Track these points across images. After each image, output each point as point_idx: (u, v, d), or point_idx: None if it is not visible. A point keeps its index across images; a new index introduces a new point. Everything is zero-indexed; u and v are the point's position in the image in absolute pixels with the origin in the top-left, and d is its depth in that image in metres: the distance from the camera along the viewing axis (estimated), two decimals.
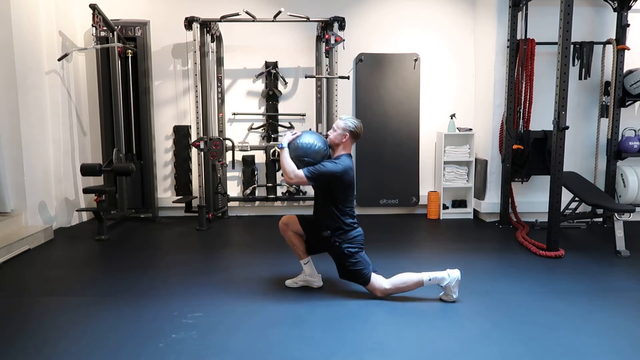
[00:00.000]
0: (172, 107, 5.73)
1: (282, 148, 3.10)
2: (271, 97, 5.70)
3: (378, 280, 3.09)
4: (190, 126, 5.65)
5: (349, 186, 3.08)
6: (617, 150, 5.27)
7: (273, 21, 5.05)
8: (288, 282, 3.35)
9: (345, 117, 3.17)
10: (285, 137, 3.15)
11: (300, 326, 2.73)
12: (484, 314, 2.92)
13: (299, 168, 3.02)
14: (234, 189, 5.86)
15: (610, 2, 5.15)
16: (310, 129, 3.22)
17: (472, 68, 5.83)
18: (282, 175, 3.10)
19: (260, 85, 5.74)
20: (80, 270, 3.87)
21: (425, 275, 3.03)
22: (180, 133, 5.65)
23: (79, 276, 3.69)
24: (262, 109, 5.76)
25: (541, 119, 5.15)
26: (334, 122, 5.13)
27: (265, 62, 5.67)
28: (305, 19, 5.03)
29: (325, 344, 2.52)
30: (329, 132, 3.20)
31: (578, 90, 5.31)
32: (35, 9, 4.81)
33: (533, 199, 5.38)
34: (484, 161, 5.54)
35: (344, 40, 5.00)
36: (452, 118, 5.60)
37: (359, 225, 3.18)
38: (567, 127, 3.98)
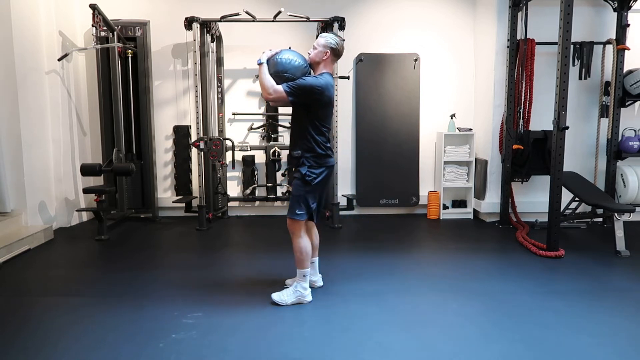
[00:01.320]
0: (172, 107, 5.73)
1: (260, 64, 2.97)
2: None
3: (301, 226, 2.99)
4: (190, 126, 5.65)
5: (328, 103, 2.96)
6: (617, 150, 5.27)
7: (273, 21, 5.05)
8: (288, 281, 3.34)
9: (325, 34, 3.04)
10: (264, 54, 3.01)
11: (300, 326, 2.73)
12: (484, 313, 2.92)
13: (278, 84, 2.90)
14: (234, 189, 5.86)
15: (610, 2, 5.15)
16: (289, 47, 3.13)
17: (472, 68, 5.83)
18: (262, 94, 2.93)
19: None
20: (80, 270, 3.87)
21: (307, 271, 3.02)
22: (180, 133, 5.65)
23: (79, 276, 3.69)
24: (262, 109, 5.76)
25: (541, 119, 5.15)
26: (334, 122, 5.17)
27: None
28: (305, 19, 5.03)
29: (325, 344, 2.52)
30: (309, 51, 3.05)
31: (578, 90, 5.31)
32: (35, 9, 4.81)
33: (533, 199, 5.38)
34: (484, 161, 5.54)
35: (344, 40, 4.98)
36: (452, 118, 5.60)
37: (331, 155, 3.05)
38: (567, 127, 3.98)
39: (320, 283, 3.32)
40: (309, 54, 3.05)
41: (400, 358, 2.39)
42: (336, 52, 3.03)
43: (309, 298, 3.07)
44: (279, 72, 2.94)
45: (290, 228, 3.03)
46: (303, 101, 2.92)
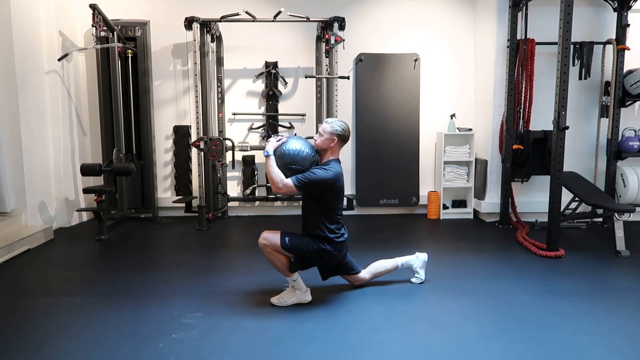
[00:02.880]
0: (172, 107, 5.73)
1: (267, 156, 2.93)
2: (271, 97, 5.70)
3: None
4: (190, 126, 5.65)
5: (339, 192, 2.98)
6: (617, 150, 5.27)
7: (273, 21, 5.05)
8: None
9: (331, 120, 3.04)
10: (270, 144, 2.97)
11: (300, 326, 2.73)
12: (484, 313, 2.92)
13: (287, 177, 2.87)
14: (234, 189, 5.86)
15: (610, 2, 5.15)
16: (295, 134, 3.09)
17: (472, 68, 5.83)
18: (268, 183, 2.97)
19: (260, 85, 5.74)
20: (80, 270, 3.87)
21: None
22: (180, 133, 5.65)
23: (79, 276, 3.69)
24: (262, 109, 5.76)
25: (541, 119, 5.15)
26: None
27: (265, 62, 5.67)
28: (305, 19, 5.03)
29: (325, 344, 2.52)
30: (315, 137, 3.06)
31: (578, 90, 5.31)
32: (35, 9, 4.81)
33: (533, 199, 5.38)
34: (484, 161, 5.54)
35: (344, 40, 5.01)
36: (452, 118, 5.60)
37: (344, 231, 3.08)
38: (567, 127, 3.98)
39: (308, 298, 3.10)
40: (315, 140, 3.04)
41: (401, 358, 2.39)
42: (343, 138, 3.03)
43: (309, 298, 3.07)
44: (287, 164, 2.91)
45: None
46: (314, 194, 2.93)
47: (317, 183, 2.87)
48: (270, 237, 2.97)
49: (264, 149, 3.02)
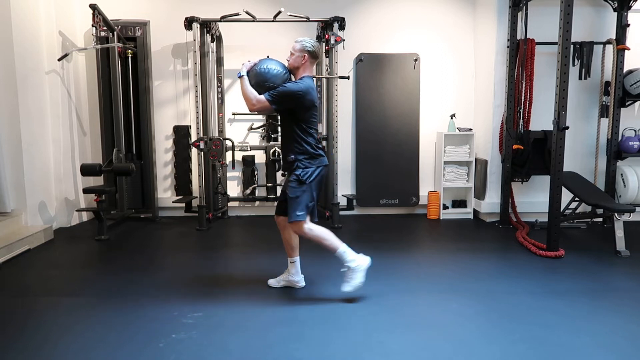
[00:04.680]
0: (172, 107, 5.73)
1: (241, 77, 3.02)
2: None
3: (303, 226, 3.01)
4: (190, 126, 5.65)
5: (311, 105, 3.01)
6: (617, 150, 5.27)
7: (273, 21, 5.05)
8: (271, 282, 3.35)
9: (300, 38, 3.12)
10: (243, 66, 3.06)
11: (300, 326, 2.73)
12: (484, 314, 2.92)
13: (260, 94, 2.96)
14: (234, 189, 5.86)
15: (610, 2, 5.15)
16: (268, 56, 3.17)
17: (472, 68, 5.83)
18: (246, 105, 3.02)
19: None
20: (80, 270, 3.87)
21: (342, 247, 3.01)
22: (180, 133, 5.65)
23: (79, 276, 3.69)
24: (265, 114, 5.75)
25: (541, 119, 5.15)
26: (334, 122, 5.17)
27: None
28: (305, 19, 5.03)
29: (325, 344, 2.52)
30: (287, 58, 3.11)
31: (578, 90, 5.31)
32: (35, 9, 4.81)
33: (533, 199, 5.38)
34: (484, 161, 5.54)
35: (344, 40, 5.00)
36: (452, 118, 5.60)
37: (323, 154, 3.10)
38: (567, 127, 3.98)
39: (302, 284, 3.30)
40: (288, 60, 3.11)
41: (400, 358, 2.39)
42: (313, 55, 3.08)
43: (302, 283, 3.23)
44: (260, 82, 3.01)
45: (295, 231, 3.07)
46: (286, 107, 3.00)
47: (288, 95, 2.94)
48: (294, 226, 3.04)
49: (264, 149, 3.06)
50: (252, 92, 2.98)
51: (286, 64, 3.11)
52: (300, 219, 3.00)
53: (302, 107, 2.98)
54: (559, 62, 3.95)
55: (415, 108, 5.74)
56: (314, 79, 3.12)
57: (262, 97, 2.94)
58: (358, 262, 3.03)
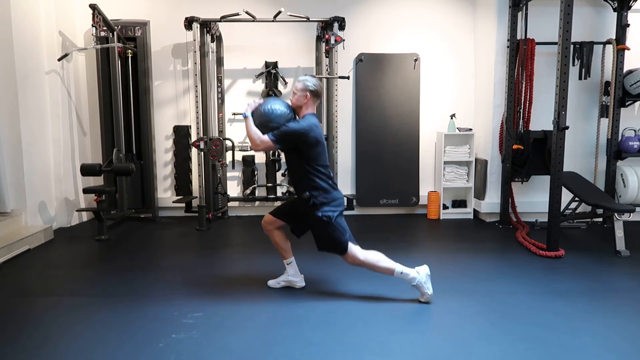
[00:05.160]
0: (172, 107, 5.73)
1: (246, 117, 3.07)
2: None
3: (354, 250, 3.04)
4: (190, 126, 5.65)
5: (316, 143, 3.01)
6: (617, 150, 5.27)
7: (273, 21, 5.05)
8: (270, 282, 3.35)
9: (303, 77, 3.13)
10: (249, 107, 3.10)
11: (300, 326, 2.74)
12: (484, 314, 2.92)
13: (264, 134, 2.99)
14: (234, 189, 5.85)
15: (610, 2, 5.15)
16: (272, 95, 3.20)
17: (472, 68, 5.83)
18: (250, 147, 3.07)
19: (260, 85, 5.74)
20: (80, 270, 3.87)
21: (398, 267, 3.00)
22: (180, 133, 5.65)
23: (79, 276, 3.69)
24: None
25: (541, 119, 5.15)
26: (334, 122, 5.17)
27: (265, 62, 5.67)
28: (305, 19, 5.03)
29: (325, 344, 2.52)
30: (291, 98, 3.15)
31: (578, 90, 5.31)
32: (35, 9, 4.81)
33: (533, 199, 5.38)
34: (484, 161, 5.54)
35: (344, 40, 5.00)
36: (452, 118, 5.60)
37: (337, 189, 3.14)
38: (567, 127, 3.98)
39: (302, 283, 3.31)
40: (291, 100, 3.14)
41: (400, 358, 2.39)
42: (316, 94, 3.11)
43: (302, 283, 3.28)
44: (264, 122, 3.04)
45: (350, 262, 3.07)
46: (291, 146, 3.02)
47: (291, 134, 2.97)
48: (270, 219, 3.26)
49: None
50: (256, 133, 3.01)
51: (289, 103, 3.14)
52: (348, 248, 3.02)
53: (306, 145, 3.00)
54: (559, 62, 3.95)
55: (415, 108, 5.74)
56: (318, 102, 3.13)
57: (265, 137, 2.97)
58: (419, 275, 3.00)
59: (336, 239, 3.03)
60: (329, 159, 3.16)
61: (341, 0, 5.61)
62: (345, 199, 5.14)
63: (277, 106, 3.06)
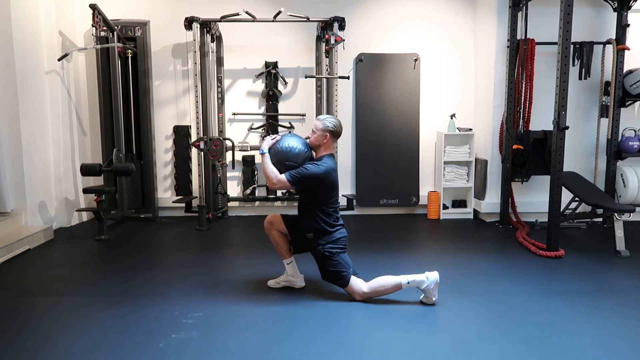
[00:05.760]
0: (172, 107, 5.73)
1: (263, 154, 3.07)
2: (271, 97, 5.70)
3: (357, 284, 3.05)
4: (190, 126, 5.65)
5: (331, 187, 3.06)
6: (617, 150, 5.27)
7: (273, 21, 5.05)
8: (270, 283, 3.35)
9: (323, 117, 3.13)
10: (265, 143, 3.10)
11: (300, 326, 2.74)
12: (484, 314, 2.92)
13: (281, 173, 3.00)
14: (234, 189, 5.86)
15: (610, 2, 5.15)
16: (290, 132, 3.19)
17: (472, 68, 5.83)
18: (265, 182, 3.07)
19: (260, 85, 5.74)
20: (80, 270, 3.87)
21: (403, 279, 3.00)
22: (180, 133, 5.65)
23: (79, 276, 3.69)
24: (262, 109, 5.76)
25: (541, 119, 5.15)
26: None
27: (265, 62, 5.67)
28: (305, 19, 5.03)
29: (325, 344, 2.52)
30: (309, 135, 3.16)
31: (578, 90, 5.31)
32: (35, 9, 4.81)
33: (533, 199, 5.38)
34: (484, 161, 5.54)
35: (343, 40, 5.00)
36: (452, 118, 5.60)
37: (342, 226, 3.16)
38: (567, 127, 3.98)
39: (302, 283, 3.32)
40: (309, 137, 3.13)
41: (400, 358, 2.39)
42: (335, 134, 3.12)
43: (302, 283, 3.28)
44: (281, 160, 3.04)
45: (350, 293, 3.07)
46: (306, 188, 3.03)
47: (308, 178, 2.97)
48: (274, 220, 3.23)
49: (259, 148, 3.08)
50: (273, 171, 3.01)
51: (307, 141, 3.13)
52: (349, 281, 3.02)
53: (321, 189, 3.02)
54: (559, 62, 3.95)
55: (415, 108, 5.74)
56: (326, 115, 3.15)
57: (283, 177, 2.98)
58: (428, 280, 3.00)
59: (337, 272, 3.05)
60: (338, 202, 3.18)
61: (341, 0, 5.61)
62: (345, 199, 5.11)
63: (295, 144, 3.04)
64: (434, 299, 3.01)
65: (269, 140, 3.11)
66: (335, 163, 3.12)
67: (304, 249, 3.23)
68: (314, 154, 3.16)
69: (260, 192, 5.82)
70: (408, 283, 2.99)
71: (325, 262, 3.07)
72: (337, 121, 3.13)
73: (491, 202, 5.45)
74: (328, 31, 5.05)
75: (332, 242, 3.06)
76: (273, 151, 3.07)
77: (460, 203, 5.81)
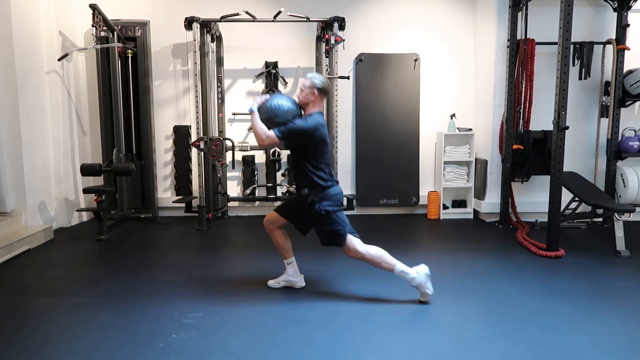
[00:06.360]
0: (172, 107, 5.73)
1: (252, 112, 3.05)
2: None
3: (353, 242, 3.04)
4: (190, 126, 5.65)
5: (321, 142, 3.02)
6: (617, 150, 5.27)
7: (273, 21, 5.05)
8: (270, 283, 3.35)
9: (311, 75, 3.12)
10: (255, 102, 3.09)
11: (300, 326, 2.74)
12: (484, 314, 2.92)
13: (270, 130, 2.98)
14: (234, 189, 5.85)
15: (610, 2, 5.15)
16: (279, 92, 3.17)
17: (472, 68, 5.83)
18: (255, 140, 3.05)
19: (260, 85, 5.74)
20: (80, 270, 3.87)
21: (398, 266, 3.01)
22: (180, 133, 5.65)
23: (79, 276, 3.69)
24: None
25: (541, 119, 5.15)
26: (334, 122, 5.17)
27: (265, 62, 5.67)
28: (305, 19, 5.03)
29: (325, 344, 2.52)
30: (298, 95, 3.14)
31: (578, 90, 5.31)
32: (35, 9, 4.81)
33: (533, 199, 5.38)
34: (484, 161, 5.54)
35: (344, 40, 5.00)
36: (452, 118, 5.60)
37: (337, 183, 3.14)
38: (567, 127, 3.98)
39: (302, 283, 3.31)
40: (298, 97, 3.13)
41: (400, 358, 2.39)
42: (323, 91, 3.09)
43: (302, 284, 3.27)
44: (270, 118, 3.03)
45: (352, 255, 3.07)
46: (296, 144, 3.02)
47: (297, 133, 2.96)
48: (273, 218, 3.21)
49: (264, 149, 3.07)
50: (262, 128, 2.99)
51: (296, 100, 3.12)
52: (347, 239, 3.02)
53: (311, 144, 3.00)
54: (559, 62, 3.95)
55: (415, 108, 5.74)
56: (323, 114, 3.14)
57: (271, 133, 2.97)
58: (419, 275, 3.00)
59: (334, 230, 3.03)
60: (330, 158, 3.16)
61: (341, 0, 5.61)
62: (345, 198, 5.12)
63: (284, 102, 3.05)
64: (429, 292, 3.00)
65: (259, 100, 3.10)
66: (324, 119, 3.10)
67: (308, 225, 3.19)
68: (303, 113, 3.13)
69: (260, 192, 5.82)
70: (401, 272, 3.00)
71: (322, 221, 3.03)
72: (325, 79, 3.12)
73: (491, 202, 5.45)
74: (328, 31, 5.05)
75: (328, 199, 3.03)
76: (262, 109, 3.05)
77: (460, 203, 5.81)
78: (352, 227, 3.11)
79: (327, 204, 3.03)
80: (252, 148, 5.61)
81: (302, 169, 3.05)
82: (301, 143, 3.01)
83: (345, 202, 5.44)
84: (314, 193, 3.02)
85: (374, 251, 3.05)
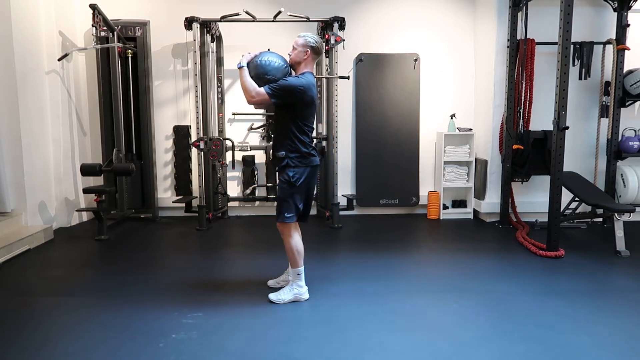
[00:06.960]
0: (172, 107, 5.73)
1: (241, 67, 2.94)
2: None
3: (290, 227, 3.00)
4: (190, 126, 5.65)
5: (311, 102, 2.94)
6: (617, 150, 5.27)
7: (273, 21, 5.05)
8: (270, 282, 3.34)
9: (303, 33, 3.04)
10: (244, 57, 2.99)
11: (300, 326, 2.74)
12: (484, 314, 2.92)
13: (260, 86, 2.89)
14: (234, 189, 5.85)
15: (610, 2, 5.15)
16: (269, 49, 3.12)
17: (472, 68, 5.83)
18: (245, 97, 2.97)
19: None
20: (80, 270, 3.87)
21: (302, 269, 3.04)
22: (180, 133, 5.65)
23: (79, 276, 3.69)
24: (262, 109, 5.76)
25: (541, 119, 5.15)
26: (334, 122, 5.17)
27: None
28: (305, 19, 5.03)
29: (325, 344, 2.52)
30: (289, 53, 3.05)
31: (578, 90, 5.31)
32: (35, 9, 4.81)
33: (533, 199, 5.38)
34: (484, 161, 5.54)
35: (343, 40, 5.00)
36: (452, 118, 5.60)
37: (316, 155, 3.05)
38: (567, 127, 3.98)
39: (305, 296, 3.11)
40: (290, 55, 3.05)
41: (400, 358, 2.39)
42: (316, 51, 3.02)
43: (306, 296, 3.09)
44: (260, 74, 2.93)
45: (280, 230, 3.05)
46: (286, 102, 2.91)
47: (289, 90, 2.87)
48: (281, 226, 3.04)
49: (264, 149, 3.04)
50: (252, 84, 2.89)
51: (287, 58, 3.05)
52: (289, 221, 2.99)
53: (301, 103, 2.91)
54: (559, 62, 3.95)
55: (415, 108, 5.74)
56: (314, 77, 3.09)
57: (261, 89, 2.87)
58: (300, 290, 3.06)
59: (285, 204, 2.97)
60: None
61: (341, 0, 5.61)
62: (345, 198, 5.12)
63: (275, 59, 2.96)
64: (284, 300, 3.03)
65: (248, 56, 2.99)
66: (314, 80, 3.03)
67: (306, 211, 3.13)
68: (293, 73, 3.06)
69: (260, 192, 5.82)
70: (298, 275, 3.03)
71: (281, 190, 2.98)
72: (318, 38, 3.04)
73: (491, 202, 5.45)
74: (328, 31, 5.05)
75: (301, 159, 2.94)
76: (252, 65, 2.95)
77: (460, 203, 5.81)
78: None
79: (297, 174, 2.94)
80: (252, 148, 5.61)
81: (286, 131, 2.95)
82: (292, 101, 2.89)
83: (345, 202, 5.46)
84: (291, 158, 2.95)
85: (296, 244, 3.02)
